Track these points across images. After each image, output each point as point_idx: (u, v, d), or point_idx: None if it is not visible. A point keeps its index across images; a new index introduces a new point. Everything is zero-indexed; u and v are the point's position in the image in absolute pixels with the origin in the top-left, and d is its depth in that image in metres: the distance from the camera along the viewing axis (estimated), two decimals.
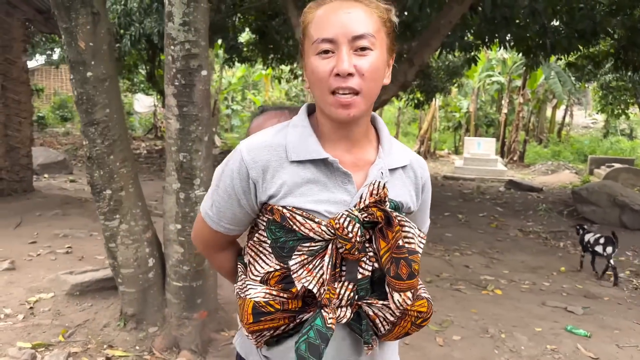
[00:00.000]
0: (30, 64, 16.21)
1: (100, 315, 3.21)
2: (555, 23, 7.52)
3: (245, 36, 12.51)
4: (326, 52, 0.97)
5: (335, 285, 1.01)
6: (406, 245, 1.03)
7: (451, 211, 8.63)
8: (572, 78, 16.10)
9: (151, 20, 7.92)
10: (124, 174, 2.99)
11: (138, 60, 12.98)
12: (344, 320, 1.04)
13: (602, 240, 5.20)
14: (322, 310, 1.01)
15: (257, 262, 1.08)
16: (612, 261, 5.12)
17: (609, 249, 5.11)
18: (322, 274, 1.01)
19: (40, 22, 7.01)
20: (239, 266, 1.16)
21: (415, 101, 13.86)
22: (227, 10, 8.56)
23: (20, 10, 6.70)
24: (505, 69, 19.69)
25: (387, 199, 1.04)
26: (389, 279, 1.02)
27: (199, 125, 2.95)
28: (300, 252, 1.02)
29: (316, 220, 1.00)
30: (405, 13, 7.04)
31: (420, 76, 10.95)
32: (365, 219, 1.01)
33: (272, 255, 1.05)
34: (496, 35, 7.60)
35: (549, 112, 23.84)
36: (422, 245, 1.08)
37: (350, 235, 0.98)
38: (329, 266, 1.00)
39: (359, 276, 1.03)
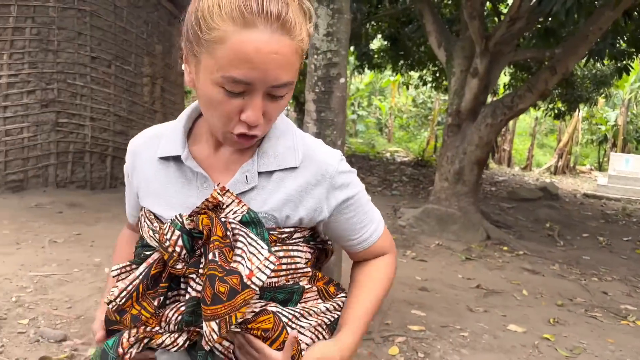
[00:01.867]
0: None
1: None
2: None
3: (376, 43, 12.69)
4: (235, 93, 0.78)
5: (167, 306, 0.88)
6: (213, 257, 0.81)
7: (590, 232, 7.96)
8: None
9: None
10: None
11: None
12: (174, 349, 0.87)
13: None
14: (126, 331, 0.88)
15: None
16: None
17: None
18: (126, 287, 0.86)
19: None
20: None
21: (556, 111, 12.97)
22: (361, 18, 8.77)
23: (179, 20, 7.51)
24: None
25: (228, 207, 0.86)
26: (203, 305, 0.81)
27: (334, 130, 3.11)
28: (145, 257, 0.91)
29: (153, 225, 0.92)
30: (549, 19, 6.67)
31: (562, 85, 10.26)
32: (188, 226, 0.85)
33: None
34: None
35: None
36: (267, 271, 0.81)
37: (167, 244, 0.84)
38: (141, 277, 0.86)
39: (187, 296, 0.87)
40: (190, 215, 0.86)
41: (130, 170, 0.99)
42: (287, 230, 0.92)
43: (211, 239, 0.82)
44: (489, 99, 8.75)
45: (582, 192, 13.76)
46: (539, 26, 7.35)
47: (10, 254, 4.12)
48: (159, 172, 0.93)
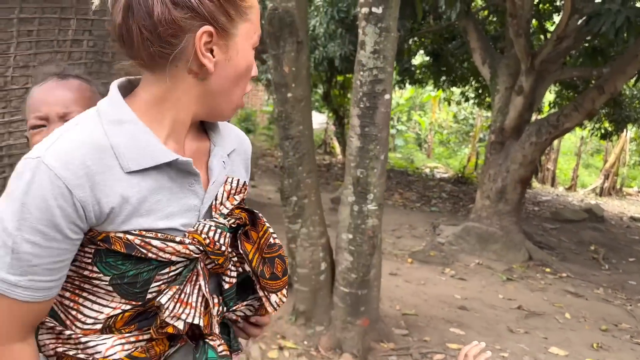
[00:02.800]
0: None
1: None
2: None
3: (418, 58, 12.70)
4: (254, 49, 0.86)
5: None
6: (276, 241, 0.95)
7: (637, 257, 7.68)
8: None
9: (334, 45, 8.52)
10: (308, 183, 3.33)
11: (317, 81, 13.99)
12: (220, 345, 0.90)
13: None
14: (207, 340, 0.88)
15: (83, 304, 0.82)
16: None
17: None
18: (201, 301, 0.85)
19: None
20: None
21: (602, 131, 12.62)
22: (404, 34, 8.83)
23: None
24: None
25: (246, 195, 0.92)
26: (264, 281, 0.92)
27: (377, 145, 3.17)
28: (160, 282, 0.82)
29: (177, 239, 0.81)
30: (597, 38, 6.56)
31: (610, 104, 10.00)
32: (232, 225, 0.88)
33: (115, 294, 0.81)
34: None
35: None
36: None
37: (223, 248, 0.85)
38: (207, 290, 0.86)
39: (226, 286, 0.90)
40: (227, 215, 0.89)
41: (87, 199, 0.75)
42: None
43: (265, 228, 0.93)
44: (534, 117, 8.62)
45: (628, 214, 13.26)
46: (587, 45, 7.22)
47: None
48: (138, 187, 0.79)
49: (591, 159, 24.16)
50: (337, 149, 15.00)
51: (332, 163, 13.35)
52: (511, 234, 6.40)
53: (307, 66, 3.24)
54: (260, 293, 0.94)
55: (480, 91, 11.66)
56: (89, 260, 0.80)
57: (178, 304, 0.82)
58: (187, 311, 0.83)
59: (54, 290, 0.79)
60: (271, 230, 0.95)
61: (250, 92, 24.87)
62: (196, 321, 0.84)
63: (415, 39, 9.86)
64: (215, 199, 0.89)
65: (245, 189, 0.93)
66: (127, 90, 0.86)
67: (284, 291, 0.96)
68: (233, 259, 0.90)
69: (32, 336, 0.82)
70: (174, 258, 0.81)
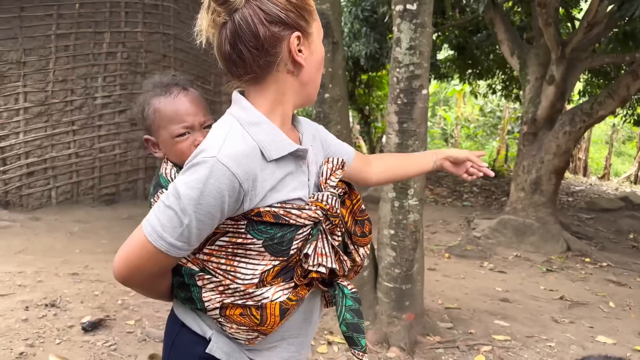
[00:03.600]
0: None
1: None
2: None
3: (442, 53, 12.63)
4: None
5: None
6: (364, 207, 1.20)
7: None
8: None
9: (359, 44, 8.56)
10: None
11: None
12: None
13: None
14: (339, 282, 1.13)
15: (239, 266, 1.03)
16: None
17: None
18: (331, 252, 1.08)
19: None
20: (199, 277, 1.05)
21: (635, 117, 12.33)
22: None
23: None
24: None
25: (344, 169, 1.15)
26: (356, 238, 1.17)
27: (416, 140, 3.20)
28: (299, 240, 1.04)
29: (307, 207, 1.04)
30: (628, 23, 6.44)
31: None
32: (340, 194, 1.13)
33: (266, 254, 1.03)
34: None
35: None
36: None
37: (339, 211, 1.10)
38: (335, 243, 1.10)
39: (335, 243, 1.11)
40: (334, 186, 1.11)
41: (249, 189, 0.98)
42: None
43: (358, 197, 1.18)
44: (566, 106, 8.49)
45: None
46: (617, 30, 7.09)
47: (112, 260, 4.47)
48: (275, 171, 1.02)
49: (623, 147, 23.57)
50: (364, 147, 15.01)
51: None
52: (548, 225, 6.34)
53: (342, 66, 3.29)
54: (351, 247, 1.17)
55: (507, 83, 11.53)
56: (243, 230, 1.02)
57: (317, 255, 1.06)
58: (324, 259, 1.06)
59: (191, 250, 1.02)
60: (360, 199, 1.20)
61: None
62: (334, 265, 1.07)
63: (439, 33, 9.82)
64: (322, 175, 1.12)
65: (344, 165, 1.15)
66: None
67: (368, 246, 1.20)
68: (339, 222, 1.12)
69: (170, 271, 1.08)
70: (307, 222, 1.04)
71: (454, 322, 3.70)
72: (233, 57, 1.00)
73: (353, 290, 1.12)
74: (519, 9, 9.10)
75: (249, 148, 0.98)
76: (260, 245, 1.02)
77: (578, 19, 8.03)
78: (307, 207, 1.04)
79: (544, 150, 6.36)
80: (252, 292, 1.03)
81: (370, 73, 11.28)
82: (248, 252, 1.03)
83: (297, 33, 1.00)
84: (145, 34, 6.99)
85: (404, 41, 3.06)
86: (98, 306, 3.47)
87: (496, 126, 17.41)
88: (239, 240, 1.02)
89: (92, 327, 3.13)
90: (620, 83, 5.88)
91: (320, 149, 1.22)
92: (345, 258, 1.13)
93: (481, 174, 1.48)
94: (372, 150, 12.68)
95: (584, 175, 16.20)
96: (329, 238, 1.09)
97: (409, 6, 3.00)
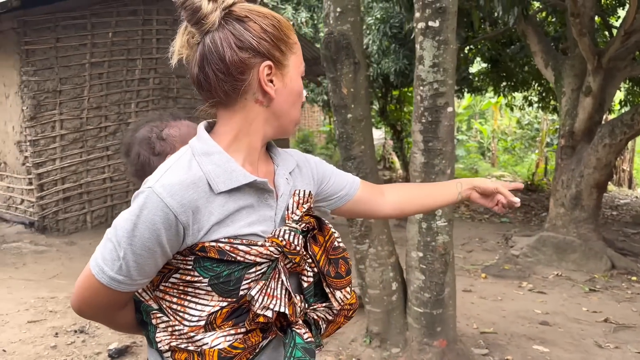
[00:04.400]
0: None
1: (348, 330, 3.55)
2: None
3: (475, 66, 12.42)
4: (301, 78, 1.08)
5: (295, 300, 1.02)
6: (340, 244, 1.09)
7: None
8: None
9: (388, 60, 8.51)
10: None
11: (372, 97, 13.99)
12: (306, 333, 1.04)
13: None
14: (294, 329, 1.02)
15: (188, 306, 0.98)
16: None
17: None
18: (284, 294, 0.99)
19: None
20: (153, 315, 1.02)
21: None
22: (460, 43, 8.68)
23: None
24: None
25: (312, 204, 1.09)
26: (330, 280, 1.07)
27: (443, 159, 3.10)
28: (249, 280, 0.97)
29: (259, 243, 0.97)
30: None
31: None
32: (303, 229, 1.04)
33: (214, 293, 0.96)
34: None
35: None
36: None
37: (298, 248, 1.00)
38: (288, 284, 0.99)
39: (305, 284, 1.04)
40: (298, 221, 1.04)
41: (189, 222, 0.92)
42: None
43: (330, 232, 1.08)
44: (605, 117, 8.18)
45: None
46: None
47: None
48: (225, 204, 0.96)
49: None
50: (397, 163, 14.85)
51: (392, 178, 13.23)
52: (590, 242, 6.05)
53: (365, 86, 3.23)
54: (327, 290, 1.08)
55: (544, 94, 11.22)
56: (190, 267, 0.96)
57: (266, 297, 0.96)
58: (274, 302, 0.97)
59: (143, 285, 0.98)
60: (336, 234, 1.10)
61: (307, 114, 25.20)
62: (282, 309, 0.97)
63: (471, 46, 9.67)
64: (287, 209, 1.05)
65: (311, 198, 1.10)
66: (209, 129, 1.05)
67: (348, 289, 1.10)
68: (308, 260, 1.05)
69: (130, 304, 1.05)
70: (258, 259, 0.96)
71: (489, 348, 3.53)
72: (200, 79, 0.98)
73: (308, 340, 1.02)
74: (553, 19, 8.88)
75: (191, 178, 0.93)
76: (207, 284, 0.96)
77: (616, 27, 7.75)
78: (258, 243, 0.97)
79: (583, 164, 6.11)
80: (194, 337, 0.97)
81: (400, 89, 11.19)
82: (197, 292, 0.97)
83: (267, 62, 0.98)
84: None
85: (426, 59, 2.98)
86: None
87: (534, 138, 16.96)
88: (188, 278, 0.97)
89: (119, 354, 3.13)
90: None
91: (308, 181, 1.17)
92: (297, 300, 1.02)
93: (512, 207, 1.36)
94: (405, 166, 12.53)
95: (629, 187, 15.53)
96: (284, 278, 0.99)
97: (431, 23, 2.93)
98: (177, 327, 0.98)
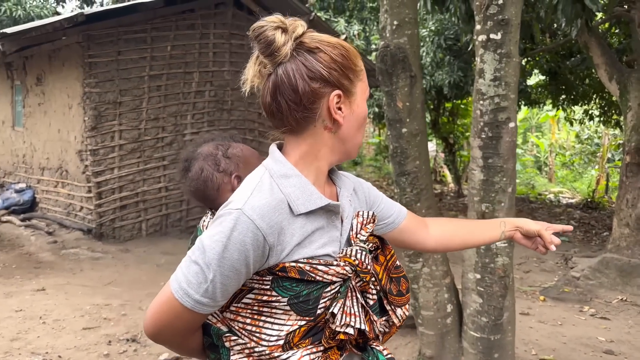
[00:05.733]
0: None
1: (399, 352, 3.44)
2: None
3: (532, 78, 12.03)
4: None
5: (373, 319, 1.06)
6: (399, 263, 1.14)
7: None
8: None
9: (442, 72, 8.35)
10: None
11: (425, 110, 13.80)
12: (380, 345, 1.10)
13: None
14: (373, 346, 1.07)
15: (264, 327, 1.00)
16: None
17: None
18: (361, 311, 1.03)
19: None
20: (226, 338, 1.03)
21: None
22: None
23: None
24: None
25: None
26: (392, 297, 1.11)
27: (504, 177, 2.96)
28: (326, 299, 1.00)
29: (334, 263, 1.01)
30: None
31: None
32: (371, 249, 1.09)
33: (292, 313, 0.99)
34: None
35: None
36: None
37: (369, 267, 1.05)
38: (364, 301, 1.05)
39: (370, 302, 1.07)
40: (365, 241, 1.08)
41: (274, 243, 0.96)
42: None
43: (392, 252, 1.14)
44: None
45: None
46: None
47: None
48: (304, 226, 1.00)
49: None
50: (448, 177, 14.52)
51: (443, 192, 12.92)
52: None
53: (421, 100, 3.15)
54: (388, 307, 1.11)
55: (606, 108, 10.71)
56: (268, 287, 0.99)
57: (345, 315, 1.00)
58: (353, 319, 1.01)
59: (218, 307, 1.00)
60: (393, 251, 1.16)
61: None
62: (362, 326, 1.01)
63: (529, 58, 9.37)
64: (352, 229, 1.09)
65: (375, 219, 1.13)
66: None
67: (407, 306, 1.15)
68: (372, 279, 1.08)
69: (200, 328, 1.06)
70: (334, 278, 1.00)
71: None
72: (272, 108, 1.02)
73: (389, 356, 1.07)
74: (617, 31, 8.47)
75: (275, 201, 0.97)
76: (286, 304, 0.98)
77: None
78: (335, 263, 1.01)
79: None
80: (278, 356, 0.99)
81: (454, 101, 10.98)
82: (273, 311, 1.00)
83: (337, 91, 1.01)
84: (231, 73, 7.26)
85: (487, 72, 2.86)
86: None
87: (594, 154, 16.20)
88: (264, 298, 0.99)
89: None
90: None
91: (362, 204, 1.21)
92: (376, 319, 1.07)
93: (552, 248, 1.36)
94: (457, 179, 12.23)
95: None
96: (359, 296, 1.04)
97: (492, 36, 2.81)
98: (256, 349, 1.00)
